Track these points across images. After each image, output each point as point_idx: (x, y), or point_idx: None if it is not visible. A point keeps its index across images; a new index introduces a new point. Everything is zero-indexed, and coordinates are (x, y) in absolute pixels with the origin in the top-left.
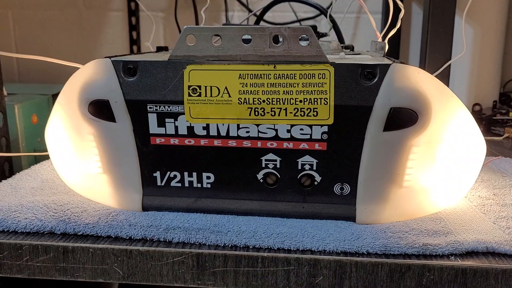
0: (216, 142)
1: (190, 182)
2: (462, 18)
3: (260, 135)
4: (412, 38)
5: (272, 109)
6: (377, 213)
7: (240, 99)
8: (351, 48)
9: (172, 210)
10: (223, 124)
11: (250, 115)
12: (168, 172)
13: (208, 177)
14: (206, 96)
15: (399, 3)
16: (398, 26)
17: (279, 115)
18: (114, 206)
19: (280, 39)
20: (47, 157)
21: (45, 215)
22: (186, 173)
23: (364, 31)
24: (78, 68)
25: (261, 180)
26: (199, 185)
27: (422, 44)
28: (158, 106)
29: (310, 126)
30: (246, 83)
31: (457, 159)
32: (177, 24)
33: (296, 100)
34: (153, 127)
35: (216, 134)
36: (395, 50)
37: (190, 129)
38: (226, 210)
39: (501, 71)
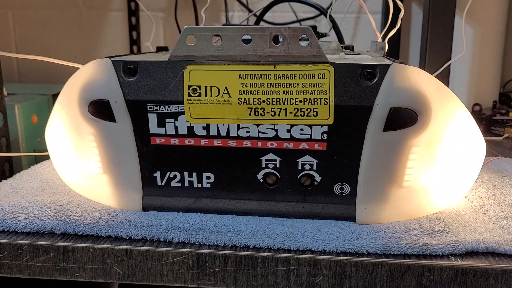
0: (216, 142)
1: (190, 182)
2: (462, 18)
3: (260, 135)
4: (412, 38)
5: (272, 109)
6: (377, 213)
7: (240, 99)
8: (351, 48)
9: (172, 210)
10: (223, 124)
11: (250, 115)
12: (168, 172)
13: (208, 177)
14: (206, 96)
15: (399, 3)
16: (398, 26)
17: (279, 115)
18: (114, 206)
19: (280, 39)
20: (47, 157)
21: (45, 215)
22: (186, 173)
23: (364, 31)
24: (78, 68)
25: (261, 180)
26: (199, 185)
27: (422, 44)
28: (158, 106)
29: (310, 126)
30: (246, 83)
31: (457, 159)
32: (177, 24)
33: (296, 100)
34: (153, 127)
35: (216, 134)
36: (395, 50)
37: (190, 129)
38: (226, 210)
39: (501, 71)
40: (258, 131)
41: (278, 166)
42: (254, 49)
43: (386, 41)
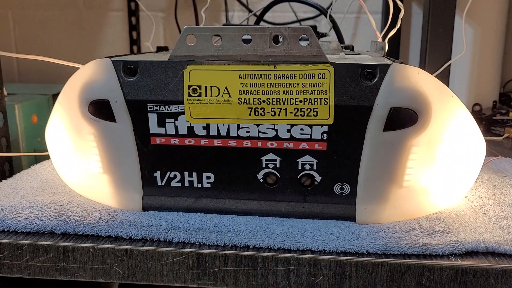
0: (216, 142)
1: (190, 182)
2: (462, 18)
3: (260, 135)
4: (412, 38)
5: (272, 109)
6: (377, 213)
7: (240, 99)
8: (351, 48)
9: (172, 210)
10: (223, 124)
11: (250, 115)
12: (168, 172)
13: (208, 177)
14: (206, 96)
15: (399, 3)
16: (398, 26)
17: (279, 115)
18: (114, 206)
19: (280, 39)
20: (47, 157)
21: (45, 215)
22: (186, 173)
23: (364, 31)
24: (78, 68)
25: (261, 180)
26: (199, 185)
27: (422, 44)
28: (158, 106)
29: (310, 126)
30: (246, 83)
31: (457, 159)
32: (177, 24)
33: (296, 100)
34: (153, 127)
35: (216, 134)
36: (395, 50)
37: (190, 129)
38: (226, 210)
39: (501, 71)
40: (258, 131)
41: (278, 166)
42: (254, 49)
43: (386, 41)
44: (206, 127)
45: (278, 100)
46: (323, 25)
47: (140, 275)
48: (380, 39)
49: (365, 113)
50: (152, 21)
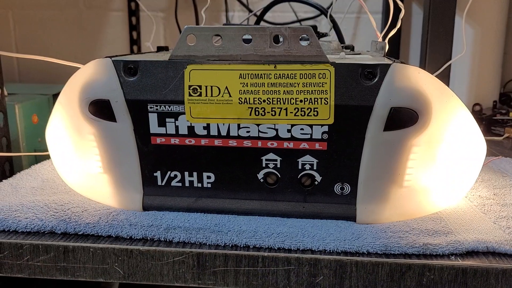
0: (217, 142)
1: (191, 182)
2: (462, 18)
3: (261, 135)
4: (412, 38)
5: (273, 109)
6: (377, 213)
7: (240, 99)
8: (351, 48)
9: (173, 209)
10: (223, 124)
11: (250, 115)
12: (169, 172)
13: (209, 177)
14: (206, 96)
15: (399, 3)
16: (398, 26)
17: (279, 115)
18: (115, 206)
19: (281, 39)
20: (47, 157)
21: (45, 215)
22: (186, 173)
23: (364, 31)
24: (79, 68)
25: (262, 180)
26: (199, 185)
27: (422, 44)
28: (158, 106)
29: (311, 126)
30: (247, 83)
31: (457, 159)
32: (177, 24)
33: (297, 100)
34: (154, 127)
35: (216, 134)
36: (395, 50)
37: (191, 129)
38: (226, 210)
39: (501, 71)
40: (259, 131)
41: (278, 165)
42: (255, 49)
43: (386, 41)
44: (207, 127)
45: (278, 100)
46: (324, 25)
47: (140, 275)
48: (380, 39)
49: (366, 113)
50: (152, 21)
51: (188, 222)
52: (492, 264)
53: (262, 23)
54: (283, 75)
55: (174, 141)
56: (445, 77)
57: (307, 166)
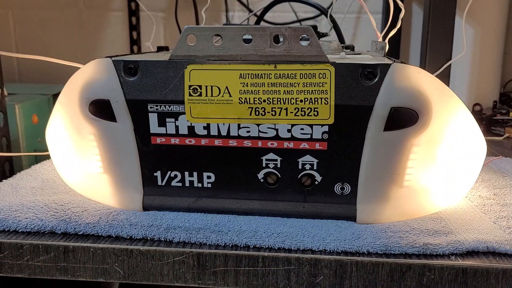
0: (217, 142)
1: (191, 182)
2: (462, 18)
3: (261, 134)
4: (412, 38)
5: (273, 109)
6: (377, 212)
7: (240, 98)
8: (351, 48)
9: (173, 209)
10: (223, 124)
11: (250, 114)
12: (169, 172)
13: (209, 177)
14: (206, 95)
15: (400, 3)
16: (398, 26)
17: (279, 114)
18: (115, 206)
19: (281, 39)
20: (47, 157)
21: (45, 215)
22: (186, 173)
23: (365, 31)
24: (79, 68)
25: (262, 180)
26: (199, 185)
27: (422, 44)
28: (158, 106)
29: (311, 125)
30: (247, 83)
31: (457, 159)
32: (177, 24)
33: (297, 99)
34: (154, 127)
35: (216, 134)
36: (396, 50)
37: (191, 128)
38: (226, 210)
39: (501, 71)
40: (259, 131)
41: (278, 165)
42: (255, 49)
43: (386, 41)
44: (207, 127)
45: (278, 99)
46: (324, 25)
47: (140, 275)
48: (380, 39)
49: (366, 113)
50: (152, 21)
51: (188, 222)
52: (493, 264)
53: (262, 23)
54: (283, 75)
55: (174, 141)
56: (445, 77)
57: (307, 166)
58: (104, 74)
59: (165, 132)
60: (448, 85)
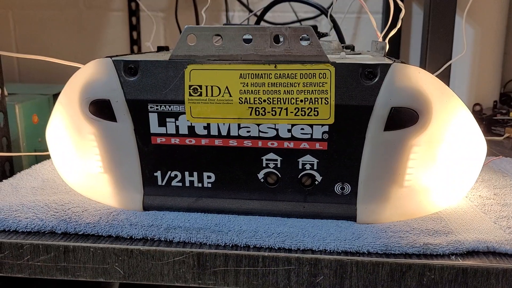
0: (217, 142)
1: (191, 182)
2: (462, 18)
3: (261, 134)
4: (412, 38)
5: (273, 109)
6: (377, 212)
7: (241, 98)
8: (351, 48)
9: (173, 209)
10: (224, 124)
11: (251, 114)
12: (169, 172)
13: (209, 177)
14: (207, 95)
15: (400, 3)
16: (398, 26)
17: (279, 114)
18: (115, 206)
19: (281, 39)
20: (47, 157)
21: (46, 215)
22: (187, 173)
23: (365, 31)
24: (79, 68)
25: (262, 180)
26: (199, 185)
27: (422, 44)
28: (159, 106)
29: (311, 125)
30: (247, 83)
31: (457, 158)
32: (177, 24)
33: (297, 99)
34: (154, 127)
35: (217, 134)
36: (396, 50)
37: (191, 128)
38: (226, 210)
39: (501, 71)
40: (259, 131)
41: (278, 165)
42: (255, 49)
43: (386, 41)
44: (207, 127)
45: (278, 99)
46: (324, 25)
47: (140, 274)
48: (380, 39)
49: (366, 113)
50: (152, 21)
51: (188, 222)
52: (493, 264)
53: (262, 23)
54: (284, 75)
55: (175, 141)
56: (445, 77)
57: (308, 166)
58: (104, 74)
59: (165, 132)
60: (448, 85)
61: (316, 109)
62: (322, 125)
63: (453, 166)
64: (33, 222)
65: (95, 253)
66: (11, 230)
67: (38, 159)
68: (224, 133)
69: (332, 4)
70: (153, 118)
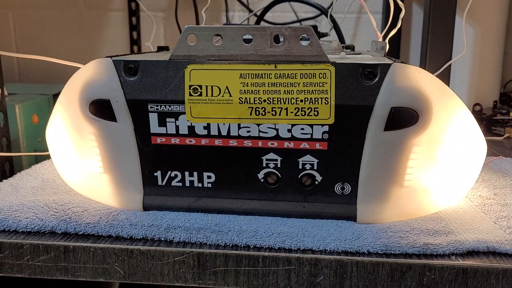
0: (217, 142)
1: (191, 182)
2: (462, 18)
3: (261, 134)
4: (412, 38)
5: (273, 109)
6: (377, 212)
7: (241, 98)
8: (351, 48)
9: (173, 209)
10: (224, 124)
11: (251, 114)
12: (169, 172)
13: (209, 177)
14: (207, 95)
15: (400, 3)
16: (398, 26)
17: (280, 114)
18: (115, 206)
19: (281, 39)
20: (47, 157)
21: (46, 215)
22: (187, 173)
23: (365, 31)
24: (79, 68)
25: (262, 180)
26: (200, 185)
27: (422, 44)
28: (159, 106)
29: (311, 125)
30: (247, 83)
31: (457, 158)
32: (177, 24)
33: (297, 99)
34: (154, 127)
35: (217, 134)
36: (396, 50)
37: (191, 128)
38: (227, 210)
39: (501, 71)
40: (259, 131)
41: (278, 165)
42: (255, 49)
43: (386, 41)
44: (207, 127)
45: (278, 99)
46: (324, 25)
47: (140, 274)
48: (380, 39)
49: (366, 113)
50: (152, 21)
51: (188, 222)
52: (493, 264)
53: (262, 23)
54: (284, 74)
55: (175, 141)
56: (445, 77)
57: (308, 166)
58: (104, 74)
59: (165, 132)
60: (448, 85)
61: (316, 109)
62: (322, 125)
63: (453, 166)
64: (33, 222)
65: (95, 253)
66: (11, 230)
67: (38, 159)
68: (224, 133)
69: (332, 4)
70: (153, 118)
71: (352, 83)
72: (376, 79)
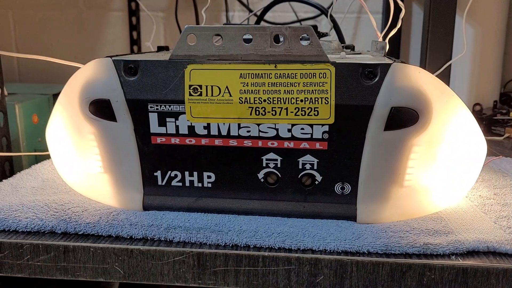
0: (217, 142)
1: (191, 182)
2: (462, 18)
3: (261, 134)
4: (412, 38)
5: (273, 109)
6: (378, 212)
7: (241, 98)
8: (351, 48)
9: (173, 209)
10: (224, 124)
11: (251, 114)
12: (169, 172)
13: (209, 177)
14: (207, 95)
15: (400, 3)
16: (398, 26)
17: (280, 114)
18: (115, 206)
19: (281, 39)
20: (47, 157)
21: (46, 215)
22: (187, 173)
23: (365, 31)
24: (79, 68)
25: (262, 180)
26: (199, 185)
27: (422, 44)
28: (159, 106)
29: (311, 125)
30: (247, 83)
31: (457, 158)
32: (177, 24)
33: (297, 99)
34: (154, 127)
35: (217, 134)
36: (396, 50)
37: (191, 128)
38: (226, 210)
39: (501, 71)
40: (259, 131)
41: (279, 165)
42: (255, 49)
43: (386, 40)
44: (207, 127)
45: (279, 99)
46: (324, 25)
47: (140, 274)
48: (380, 39)
49: (366, 113)
50: (152, 21)
51: (188, 222)
52: (493, 264)
53: (262, 23)
54: (284, 74)
55: (175, 140)
56: (445, 77)
57: (308, 166)
58: (104, 73)
59: (165, 132)
60: (448, 85)
61: (316, 109)
62: (322, 125)
63: (453, 166)
64: (33, 222)
65: (95, 253)
66: (11, 230)
67: (38, 159)
68: (224, 133)
69: (332, 4)
70: (153, 118)
71: (352, 83)
72: (376, 79)
